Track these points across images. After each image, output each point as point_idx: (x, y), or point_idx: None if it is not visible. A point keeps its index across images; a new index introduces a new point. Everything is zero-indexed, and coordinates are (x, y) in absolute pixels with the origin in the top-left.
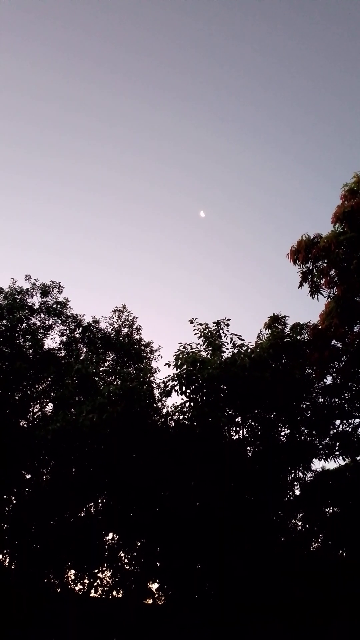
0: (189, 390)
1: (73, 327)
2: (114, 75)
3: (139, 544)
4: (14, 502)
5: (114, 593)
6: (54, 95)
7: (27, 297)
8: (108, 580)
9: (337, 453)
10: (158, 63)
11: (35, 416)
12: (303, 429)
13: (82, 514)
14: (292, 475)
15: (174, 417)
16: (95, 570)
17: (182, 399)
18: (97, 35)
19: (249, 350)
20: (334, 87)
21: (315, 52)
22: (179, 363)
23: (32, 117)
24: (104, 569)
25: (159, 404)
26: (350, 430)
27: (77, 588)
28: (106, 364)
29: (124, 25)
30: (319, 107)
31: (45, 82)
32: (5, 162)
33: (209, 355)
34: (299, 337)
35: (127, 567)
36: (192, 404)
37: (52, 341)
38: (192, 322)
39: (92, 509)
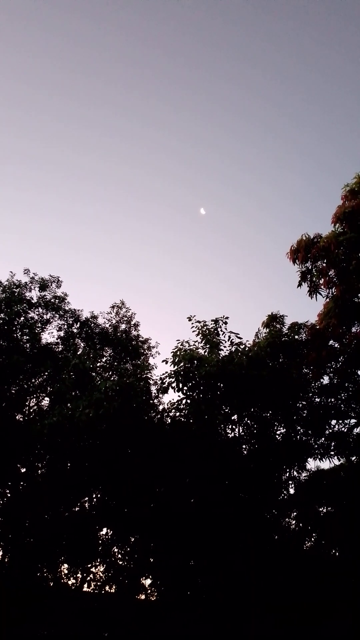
0: (185, 388)
1: (71, 322)
2: (115, 66)
3: (133, 539)
4: (9, 495)
5: (107, 588)
6: (53, 85)
7: (25, 290)
8: (101, 575)
9: (332, 453)
10: (160, 54)
11: (31, 410)
12: (299, 428)
13: (77, 509)
14: (287, 474)
15: (171, 414)
16: (89, 565)
17: (179, 396)
18: (98, 25)
19: (247, 348)
20: (341, 81)
21: (324, 44)
22: (176, 360)
23: (31, 107)
24: (97, 563)
25: (155, 401)
26: (345, 430)
27: (70, 582)
28: (103, 360)
29: (125, 16)
30: (326, 102)
31: (46, 72)
32: (6, 153)
33: (206, 353)
34: (296, 337)
35: (121, 563)
36: (188, 401)
37: (50, 335)
38: (190, 320)
39: (87, 504)
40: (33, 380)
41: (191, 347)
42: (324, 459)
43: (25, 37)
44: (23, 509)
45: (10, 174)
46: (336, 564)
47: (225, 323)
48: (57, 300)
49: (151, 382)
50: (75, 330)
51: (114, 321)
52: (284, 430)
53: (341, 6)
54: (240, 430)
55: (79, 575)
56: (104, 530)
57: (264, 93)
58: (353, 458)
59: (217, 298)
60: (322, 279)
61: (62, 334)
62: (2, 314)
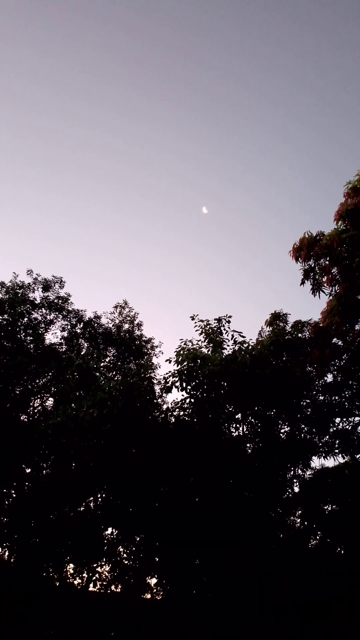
0: (189, 387)
1: (74, 322)
2: (116, 64)
3: (138, 538)
4: (14, 496)
5: (113, 587)
6: (55, 83)
7: (28, 291)
8: (107, 574)
9: (336, 451)
10: (159, 51)
11: (35, 411)
12: (303, 426)
13: (82, 509)
14: (292, 473)
15: (174, 413)
16: (94, 565)
17: (183, 395)
18: (99, 23)
19: (250, 347)
20: (343, 79)
21: (325, 42)
22: (179, 359)
23: (33, 105)
24: (103, 563)
25: (159, 400)
26: (350, 428)
27: (75, 582)
28: (107, 360)
29: (125, 13)
30: (327, 99)
31: (48, 69)
32: (9, 152)
33: (209, 352)
34: (300, 335)
35: (126, 562)
36: (192, 400)
37: (53, 336)
38: (193, 319)
39: (91, 504)
40: (37, 381)
41: (194, 346)
42: (328, 457)
43: (25, 35)
44: (28, 509)
45: (11, 173)
46: (341, 562)
47: (229, 322)
48: (60, 301)
49: (155, 381)
50: (78, 331)
51: (117, 321)
52: (288, 428)
53: (342, 3)
54: (244, 429)
55: (84, 574)
56: (109, 530)
57: (265, 91)
58: (357, 456)
59: (219, 297)
60: (325, 277)
61: (65, 334)
62: (5, 315)
